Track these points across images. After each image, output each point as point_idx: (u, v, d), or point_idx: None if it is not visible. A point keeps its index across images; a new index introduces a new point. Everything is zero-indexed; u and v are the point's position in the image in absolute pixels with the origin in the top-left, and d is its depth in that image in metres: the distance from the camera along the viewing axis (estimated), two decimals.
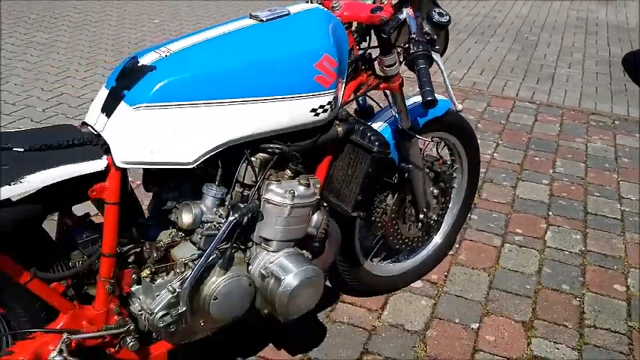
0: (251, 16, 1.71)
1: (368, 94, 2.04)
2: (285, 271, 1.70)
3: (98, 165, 1.44)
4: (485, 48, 5.96)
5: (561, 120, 4.34)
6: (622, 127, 4.27)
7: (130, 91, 1.49)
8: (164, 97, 1.48)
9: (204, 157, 1.57)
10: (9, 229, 1.32)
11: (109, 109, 1.51)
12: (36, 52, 5.14)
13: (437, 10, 1.82)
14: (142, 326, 1.63)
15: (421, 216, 2.31)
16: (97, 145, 1.49)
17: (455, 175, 2.47)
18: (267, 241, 1.73)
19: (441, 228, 2.52)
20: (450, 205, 2.49)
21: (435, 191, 2.33)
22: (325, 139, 1.80)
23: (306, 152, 1.78)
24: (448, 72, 1.85)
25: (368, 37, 1.97)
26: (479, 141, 2.57)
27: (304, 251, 1.80)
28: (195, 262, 1.62)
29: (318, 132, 1.77)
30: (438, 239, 2.54)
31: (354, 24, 1.92)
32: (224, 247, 1.64)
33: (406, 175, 2.17)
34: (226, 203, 1.67)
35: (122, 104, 1.49)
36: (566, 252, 2.81)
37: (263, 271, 1.71)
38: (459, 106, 1.88)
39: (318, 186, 1.80)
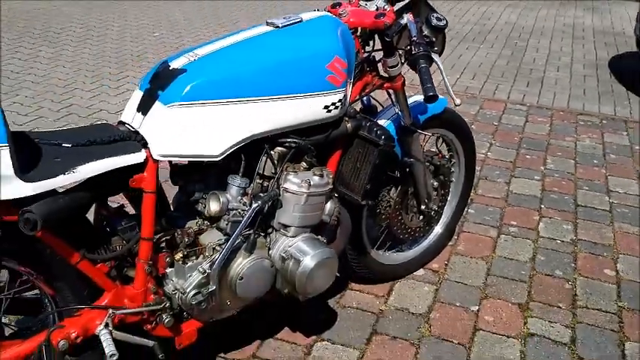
0: (267, 23, 1.89)
1: (371, 94, 2.23)
2: (304, 253, 1.87)
3: (138, 157, 1.61)
4: (476, 54, 6.17)
5: (551, 120, 4.54)
6: (609, 125, 4.47)
7: (164, 92, 1.67)
8: (194, 97, 1.66)
9: (230, 151, 1.74)
10: (65, 215, 1.49)
11: (144, 108, 1.69)
12: (42, 66, 5.31)
13: (435, 15, 2.01)
14: (175, 305, 1.79)
15: (423, 207, 2.49)
16: (136, 141, 1.66)
17: (453, 169, 2.65)
18: (285, 227, 1.90)
19: (441, 219, 2.70)
20: (448, 198, 2.68)
21: (435, 183, 2.52)
22: (336, 134, 1.98)
23: (318, 147, 1.96)
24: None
25: (372, 41, 2.15)
26: None
27: (319, 236, 1.98)
28: (222, 246, 1.79)
29: (329, 127, 1.95)
30: (438, 229, 2.72)
31: (359, 29, 2.10)
32: (248, 232, 1.81)
33: (408, 168, 2.35)
34: (249, 193, 1.85)
35: (157, 103, 1.67)
36: (558, 241, 2.99)
37: (283, 254, 1.88)
38: (457, 101, 2.06)
39: (331, 176, 1.98)
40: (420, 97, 2.38)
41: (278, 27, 1.86)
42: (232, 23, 6.94)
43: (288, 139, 1.86)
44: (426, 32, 2.01)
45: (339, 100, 1.90)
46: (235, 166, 1.86)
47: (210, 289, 1.77)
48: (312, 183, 1.87)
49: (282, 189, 1.87)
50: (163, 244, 1.80)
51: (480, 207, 3.27)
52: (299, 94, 1.80)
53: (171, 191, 1.93)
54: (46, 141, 1.55)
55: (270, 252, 1.91)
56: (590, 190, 3.50)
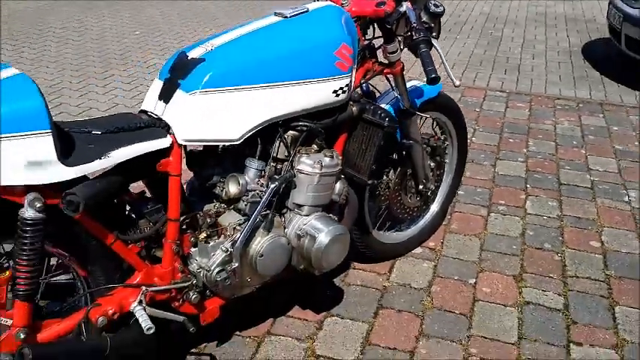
0: (276, 14, 2.00)
1: (370, 81, 2.34)
2: (318, 230, 1.98)
3: (164, 142, 1.71)
4: (454, 44, 6.33)
5: (530, 105, 4.71)
6: (586, 108, 4.66)
7: (185, 80, 1.77)
8: (214, 84, 1.76)
9: (248, 135, 1.85)
10: (102, 198, 1.58)
11: (166, 96, 1.78)
12: (26, 67, 5.33)
13: (432, 1, 2.14)
14: (200, 283, 1.89)
15: (420, 187, 2.61)
16: (160, 127, 1.75)
17: (447, 150, 2.78)
18: (299, 206, 2.01)
19: (437, 198, 2.84)
20: (444, 178, 2.81)
21: (432, 164, 2.65)
22: (343, 117, 2.09)
23: (326, 130, 2.07)
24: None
25: (371, 30, 2.26)
26: None
27: (330, 214, 2.09)
28: (242, 225, 1.90)
29: (336, 111, 2.07)
30: (434, 208, 2.85)
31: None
32: (266, 212, 1.92)
33: (407, 149, 2.47)
34: (265, 174, 1.95)
35: (178, 91, 1.76)
36: (545, 217, 3.15)
37: (299, 232, 1.99)
38: (457, 82, 2.19)
39: (340, 158, 2.09)
40: (417, 82, 2.51)
41: (286, 17, 1.97)
42: (211, 20, 7.00)
43: (300, 123, 1.97)
44: (424, 18, 2.14)
45: (346, 85, 2.01)
46: (250, 151, 1.96)
47: (233, 266, 1.87)
48: (323, 164, 1.98)
49: (295, 170, 1.98)
50: (185, 226, 1.89)
51: (470, 188, 3.41)
52: (311, 80, 1.91)
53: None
54: (76, 129, 1.64)
55: (285, 231, 2.02)
56: (572, 170, 3.67)
